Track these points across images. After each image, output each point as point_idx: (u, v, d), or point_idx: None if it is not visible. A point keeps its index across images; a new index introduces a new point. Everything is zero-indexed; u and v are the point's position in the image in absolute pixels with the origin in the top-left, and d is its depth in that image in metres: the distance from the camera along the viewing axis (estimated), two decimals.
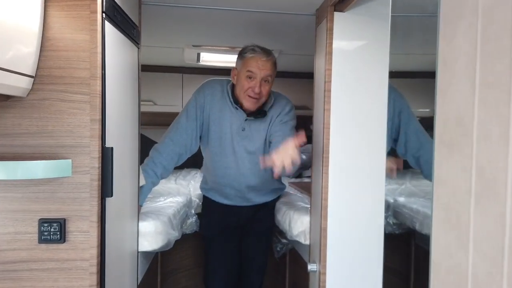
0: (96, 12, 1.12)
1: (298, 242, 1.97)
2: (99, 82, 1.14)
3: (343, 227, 1.60)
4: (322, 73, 1.64)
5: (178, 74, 3.45)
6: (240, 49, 2.02)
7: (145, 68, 3.32)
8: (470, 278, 0.64)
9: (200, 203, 2.59)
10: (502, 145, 0.58)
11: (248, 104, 1.97)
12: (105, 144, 1.17)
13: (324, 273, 1.62)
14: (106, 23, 1.19)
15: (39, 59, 1.11)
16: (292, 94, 3.31)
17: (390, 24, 1.53)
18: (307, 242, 1.87)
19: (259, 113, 2.02)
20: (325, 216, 1.61)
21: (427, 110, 3.02)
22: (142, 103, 3.54)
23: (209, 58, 2.93)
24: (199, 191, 2.58)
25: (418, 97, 2.80)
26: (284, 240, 2.35)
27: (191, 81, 3.42)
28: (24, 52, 1.04)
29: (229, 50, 2.64)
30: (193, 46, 2.59)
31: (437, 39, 0.76)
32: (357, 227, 1.59)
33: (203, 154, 2.21)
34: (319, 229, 1.65)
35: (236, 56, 2.02)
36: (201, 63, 3.06)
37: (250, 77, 1.93)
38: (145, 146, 3.47)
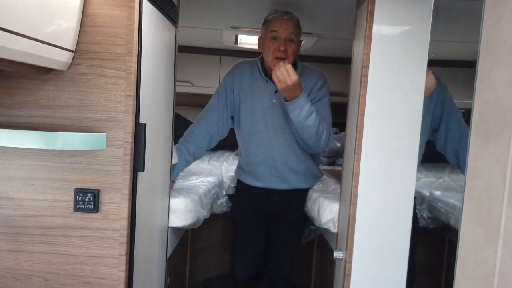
0: None
1: (326, 230, 1.95)
2: (134, 58, 1.16)
3: (372, 216, 1.57)
4: (360, 57, 1.59)
5: (216, 56, 3.46)
6: None
7: (183, 49, 3.38)
8: (497, 274, 0.61)
9: (232, 185, 2.62)
10: None
11: (276, 65, 1.94)
12: (138, 120, 1.21)
13: (350, 262, 1.60)
14: (144, 0, 1.21)
15: (79, 34, 1.14)
16: (330, 79, 3.27)
17: (432, 8, 1.45)
18: (336, 230, 1.85)
19: None
20: (354, 204, 1.58)
21: (469, 102, 2.87)
22: (179, 84, 3.61)
23: (247, 41, 2.92)
24: (231, 173, 2.62)
25: (459, 87, 2.67)
26: (312, 227, 2.34)
27: (229, 63, 3.41)
28: (65, 27, 1.08)
29: None
30: (231, 27, 2.58)
31: (481, 20, 0.72)
32: (386, 217, 1.55)
33: (237, 138, 2.22)
34: (348, 217, 1.62)
35: None
36: (239, 45, 3.06)
37: (274, 38, 1.95)
38: (182, 126, 3.55)
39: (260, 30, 2.32)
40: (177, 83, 3.57)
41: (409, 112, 1.50)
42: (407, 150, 1.50)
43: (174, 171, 1.93)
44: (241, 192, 2.29)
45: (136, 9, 1.16)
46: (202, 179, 2.26)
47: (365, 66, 1.54)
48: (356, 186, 1.58)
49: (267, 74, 2.03)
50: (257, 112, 2.05)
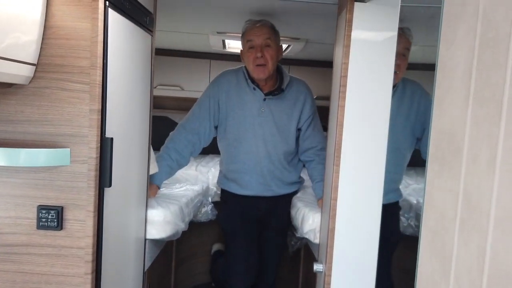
0: (97, 0, 1.10)
1: (308, 240, 1.92)
2: (99, 71, 1.13)
3: (351, 229, 1.53)
4: (339, 66, 1.56)
5: (205, 60, 3.43)
6: None
7: (172, 53, 3.36)
8: None
9: (218, 192, 2.59)
10: (490, 171, 0.51)
11: (258, 73, 1.98)
12: (104, 134, 1.17)
13: (330, 275, 1.57)
14: (111, 11, 1.17)
15: (41, 47, 1.11)
16: (319, 83, 3.23)
17: (398, 17, 1.42)
18: (317, 241, 1.81)
19: (276, 90, 2.04)
20: (333, 217, 1.55)
21: None
22: (169, 88, 3.58)
23: (236, 45, 2.89)
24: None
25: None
26: (298, 235, 2.30)
27: (218, 67, 3.39)
28: (24, 40, 1.04)
29: None
30: (217, 32, 2.55)
31: (438, 42, 0.68)
32: (365, 230, 1.52)
33: (219, 146, 2.20)
34: (327, 229, 1.59)
35: None
36: (227, 50, 3.02)
37: (251, 47, 1.96)
38: (171, 129, 3.53)
39: None
40: (166, 87, 3.54)
41: (378, 123, 1.47)
42: (376, 162, 1.47)
43: (158, 178, 1.93)
44: (228, 202, 2.27)
45: (101, 20, 1.12)
46: (186, 187, 2.22)
47: (344, 76, 1.51)
48: (335, 199, 1.54)
49: (254, 82, 2.02)
50: (246, 120, 2.06)
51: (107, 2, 1.14)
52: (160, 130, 3.28)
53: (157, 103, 3.55)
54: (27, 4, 1.03)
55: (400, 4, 1.41)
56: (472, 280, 0.53)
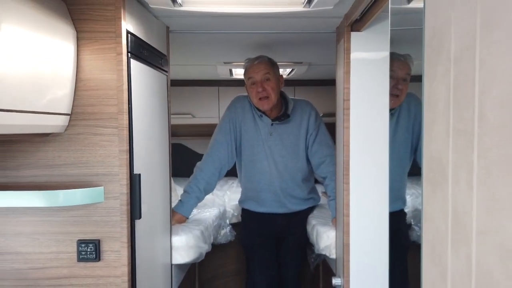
0: (121, 53, 1.25)
1: (326, 255, 2.01)
2: (125, 116, 1.26)
3: (365, 243, 1.62)
4: (341, 91, 1.68)
5: (214, 87, 3.58)
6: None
7: (182, 83, 3.51)
8: None
9: (235, 214, 2.70)
10: (468, 193, 0.61)
11: (262, 105, 2.13)
12: (133, 171, 1.30)
13: None
14: (132, 61, 1.31)
15: (73, 98, 1.25)
16: (324, 100, 3.35)
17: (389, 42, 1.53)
18: (333, 256, 1.90)
19: (282, 116, 2.18)
20: (347, 232, 1.64)
21: None
22: (181, 116, 3.72)
23: (241, 72, 3.03)
24: (234, 202, 2.70)
25: None
26: (316, 252, 2.39)
27: (226, 93, 3.54)
28: (60, 95, 1.18)
29: None
30: (224, 63, 2.69)
31: (422, 77, 0.80)
32: (376, 241, 1.60)
33: (237, 167, 2.33)
34: (342, 245, 1.68)
35: None
36: (234, 77, 3.17)
37: (253, 83, 2.11)
38: (186, 156, 3.64)
39: None
40: (178, 116, 3.69)
41: (380, 139, 1.58)
42: (380, 176, 1.57)
43: (187, 210, 2.11)
44: (247, 220, 2.40)
45: (125, 71, 1.26)
46: (205, 213, 2.33)
47: (346, 100, 1.62)
48: (348, 215, 1.64)
49: (260, 110, 2.17)
50: (257, 142, 2.21)
51: (129, 54, 1.28)
52: (174, 156, 3.42)
53: (170, 131, 3.70)
54: (61, 62, 1.17)
55: (390, 29, 1.52)
56: (464, 286, 0.63)
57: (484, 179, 0.58)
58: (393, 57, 1.56)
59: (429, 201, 0.77)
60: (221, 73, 3.04)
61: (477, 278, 0.59)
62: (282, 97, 2.23)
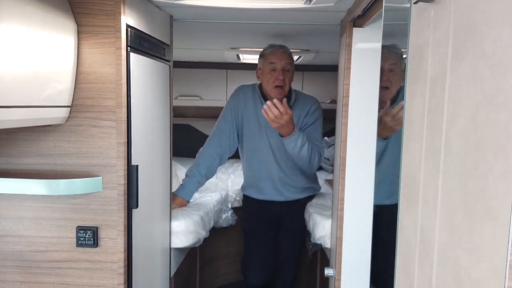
0: (120, 48, 1.27)
1: (322, 245, 2.05)
2: (124, 110, 1.29)
3: (357, 237, 1.66)
4: (342, 86, 1.68)
5: (222, 70, 3.58)
6: None
7: (191, 65, 3.52)
8: None
9: (237, 198, 2.76)
10: (433, 215, 0.64)
11: (275, 93, 2.15)
12: (131, 163, 1.34)
13: (339, 280, 1.70)
14: (132, 55, 1.34)
15: (74, 91, 1.28)
16: (332, 87, 3.32)
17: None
18: (328, 246, 1.94)
19: None
20: (341, 226, 1.67)
21: None
22: (189, 98, 3.75)
23: (249, 57, 3.03)
24: (237, 186, 2.75)
25: None
26: (312, 241, 2.44)
27: (234, 76, 3.55)
28: (61, 88, 1.22)
29: None
30: (231, 48, 2.69)
31: (404, 92, 0.81)
32: (368, 236, 1.64)
33: (240, 154, 2.37)
34: (336, 237, 1.72)
35: None
36: (242, 61, 3.17)
37: (273, 69, 2.14)
38: (194, 136, 3.68)
39: (257, 50, 2.43)
40: (186, 98, 3.71)
41: (370, 137, 1.58)
42: (368, 174, 1.59)
43: (188, 193, 2.17)
44: (248, 206, 2.47)
45: (123, 65, 1.29)
46: (206, 197, 2.39)
47: (345, 96, 1.63)
48: (342, 209, 1.67)
49: (266, 99, 2.17)
50: (258, 132, 2.25)
51: (128, 48, 1.31)
52: (182, 137, 3.47)
53: (178, 112, 3.75)
54: (62, 56, 1.20)
55: (383, 23, 1.50)
56: None
57: (445, 205, 0.60)
58: (382, 49, 1.55)
59: (403, 214, 0.79)
60: (229, 57, 3.04)
61: None
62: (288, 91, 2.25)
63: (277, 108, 1.89)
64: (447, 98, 0.60)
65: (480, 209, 0.49)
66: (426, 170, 0.68)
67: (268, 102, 1.91)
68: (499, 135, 0.45)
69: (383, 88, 1.55)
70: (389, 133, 1.48)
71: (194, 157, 2.29)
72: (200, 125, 4.00)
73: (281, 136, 2.02)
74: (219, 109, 2.37)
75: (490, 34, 0.48)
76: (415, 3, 0.71)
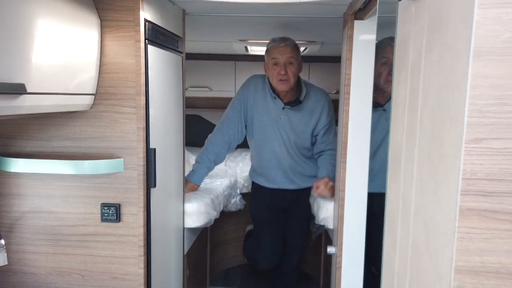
0: (139, 41, 1.39)
1: (326, 226, 2.18)
2: (143, 97, 1.42)
3: (357, 216, 1.78)
4: (344, 76, 1.79)
5: (231, 62, 3.69)
6: None
7: (200, 57, 3.64)
8: None
9: (246, 184, 2.89)
10: (411, 181, 0.76)
11: (280, 86, 2.23)
12: (149, 146, 1.47)
13: (340, 256, 1.82)
14: (150, 47, 1.46)
15: (98, 80, 1.41)
16: (338, 76, 3.42)
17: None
18: (331, 227, 2.07)
19: (294, 102, 2.27)
20: (342, 206, 1.80)
21: None
22: (199, 89, 3.87)
23: (257, 49, 3.13)
24: (245, 173, 2.88)
25: None
26: (316, 223, 2.56)
27: (243, 68, 3.66)
28: (87, 77, 1.35)
29: None
30: (240, 40, 2.80)
31: (393, 79, 0.92)
32: (364, 214, 1.76)
33: (249, 144, 2.48)
34: (338, 216, 1.84)
35: None
36: (250, 53, 3.28)
37: (276, 64, 2.20)
38: (203, 126, 3.82)
39: (265, 42, 2.54)
40: (196, 89, 3.84)
41: (365, 122, 1.70)
42: (367, 158, 1.71)
43: (198, 178, 2.28)
44: (257, 193, 2.58)
45: (142, 57, 1.41)
46: (217, 182, 2.52)
47: (347, 85, 1.74)
48: (343, 190, 1.79)
49: (275, 91, 2.28)
50: (268, 123, 2.33)
51: (146, 41, 1.43)
52: (193, 127, 3.60)
53: (189, 103, 3.85)
54: (88, 48, 1.33)
55: (377, 15, 1.60)
56: (404, 255, 0.78)
57: (419, 171, 0.72)
58: (385, 43, 1.65)
59: (390, 184, 0.91)
60: (237, 49, 3.15)
61: (412, 249, 0.75)
62: (298, 82, 2.31)
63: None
64: (421, 82, 0.72)
65: (440, 170, 0.61)
66: (406, 144, 0.80)
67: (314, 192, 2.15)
68: (453, 109, 0.57)
69: (389, 82, 1.66)
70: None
71: (203, 146, 2.41)
72: (209, 116, 4.12)
73: None
74: (228, 99, 2.47)
75: (450, 28, 0.60)
76: (399, 0, 0.82)
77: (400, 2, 0.85)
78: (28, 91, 1.02)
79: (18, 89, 0.99)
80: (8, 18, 0.95)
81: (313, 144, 2.36)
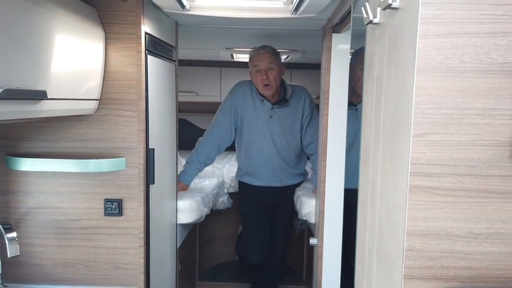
0: (140, 51, 1.55)
1: (308, 221, 2.36)
2: (143, 102, 1.58)
3: (336, 210, 1.97)
4: (323, 83, 1.98)
5: (216, 68, 3.86)
6: None
7: (187, 63, 3.80)
8: None
9: (232, 184, 3.06)
10: (377, 171, 0.94)
11: (265, 91, 2.45)
12: (148, 146, 1.62)
13: (321, 246, 2.01)
14: (149, 57, 1.62)
15: (102, 87, 1.56)
16: (316, 83, 3.63)
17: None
18: (313, 222, 2.25)
19: (281, 101, 2.49)
20: (323, 201, 1.98)
21: None
22: (185, 94, 4.02)
23: (242, 56, 3.31)
24: (231, 174, 3.05)
25: None
26: (300, 218, 2.75)
27: (228, 74, 3.84)
28: (93, 84, 1.49)
29: None
30: (226, 48, 2.98)
31: (363, 88, 1.10)
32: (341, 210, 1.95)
33: (236, 146, 2.65)
34: (319, 211, 2.03)
35: None
36: (235, 60, 3.45)
37: (258, 71, 2.43)
38: (188, 130, 3.95)
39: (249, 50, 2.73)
40: (183, 94, 3.98)
41: (342, 123, 1.89)
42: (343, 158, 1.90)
43: (189, 179, 2.43)
44: (245, 192, 2.75)
45: (143, 66, 1.57)
46: (205, 182, 2.68)
47: (326, 91, 1.93)
48: (324, 187, 1.98)
49: (261, 95, 2.48)
50: (257, 125, 2.52)
51: (146, 51, 1.59)
52: (179, 131, 3.74)
53: None
54: (94, 58, 1.48)
55: (351, 28, 1.79)
56: (373, 233, 0.96)
57: (383, 162, 0.90)
58: (361, 52, 1.84)
59: (362, 176, 1.09)
60: (223, 56, 3.32)
61: (378, 226, 0.93)
62: (281, 84, 2.53)
63: None
64: (384, 92, 0.90)
65: (397, 159, 0.79)
66: (374, 142, 0.98)
67: None
68: (404, 112, 0.75)
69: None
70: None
71: (190, 149, 2.56)
72: (195, 120, 4.28)
73: None
74: (213, 104, 2.65)
75: (402, 51, 0.78)
76: (367, 24, 1.01)
77: (368, 26, 1.04)
78: (48, 97, 1.16)
79: (40, 95, 1.14)
80: (30, 35, 1.09)
81: (301, 141, 2.55)
